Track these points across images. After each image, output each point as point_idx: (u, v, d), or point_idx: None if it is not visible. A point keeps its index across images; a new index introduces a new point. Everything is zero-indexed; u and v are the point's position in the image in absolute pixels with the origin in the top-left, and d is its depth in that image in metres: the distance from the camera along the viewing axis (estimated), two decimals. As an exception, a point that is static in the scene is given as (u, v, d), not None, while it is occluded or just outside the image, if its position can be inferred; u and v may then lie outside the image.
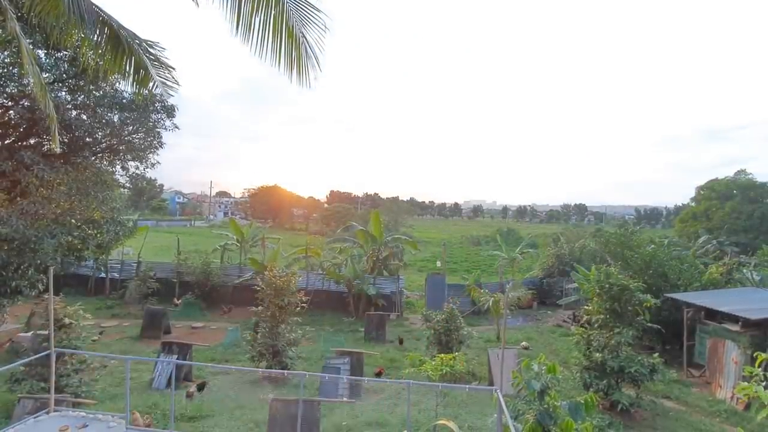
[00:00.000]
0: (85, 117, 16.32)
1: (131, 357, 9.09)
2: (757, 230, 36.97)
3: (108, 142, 17.37)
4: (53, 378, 5.05)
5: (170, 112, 16.81)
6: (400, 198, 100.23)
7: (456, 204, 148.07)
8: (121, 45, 6.21)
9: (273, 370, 11.19)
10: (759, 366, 5.56)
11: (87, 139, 16.92)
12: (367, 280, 21.21)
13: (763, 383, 5.43)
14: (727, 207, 39.38)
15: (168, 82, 7.05)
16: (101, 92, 16.18)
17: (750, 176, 42.67)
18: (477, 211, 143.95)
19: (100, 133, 17.25)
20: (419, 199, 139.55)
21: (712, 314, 13.38)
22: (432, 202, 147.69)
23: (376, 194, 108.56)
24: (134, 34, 6.45)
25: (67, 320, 9.71)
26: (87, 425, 4.70)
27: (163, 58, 6.89)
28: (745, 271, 18.36)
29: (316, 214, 78.04)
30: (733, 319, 12.49)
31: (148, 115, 16.79)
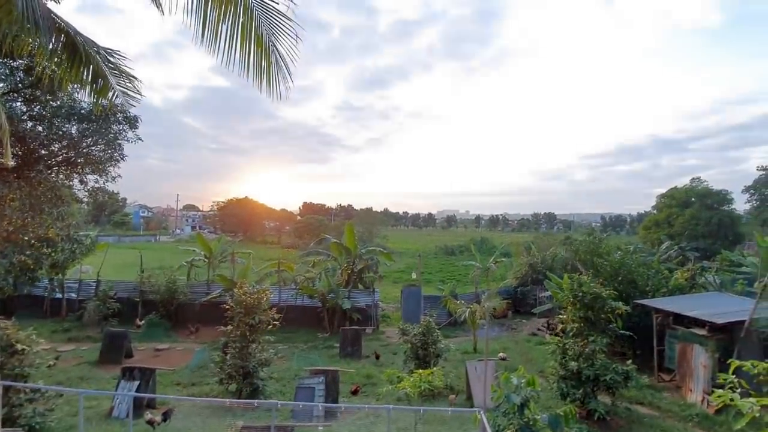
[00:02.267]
0: (40, 128, 15.42)
1: (84, 391, 8.41)
2: (716, 236, 38.91)
3: (65, 155, 16.45)
4: (0, 411, 4.47)
5: (133, 123, 16.09)
6: (374, 209, 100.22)
7: (430, 214, 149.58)
8: (79, 53, 5.80)
9: (242, 401, 10.61)
10: (732, 373, 5.64)
11: (42, 151, 15.97)
12: (342, 293, 20.79)
13: (738, 390, 5.50)
14: (687, 214, 41.31)
15: (129, 92, 6.66)
16: (58, 102, 15.34)
17: (705, 183, 45.08)
18: (450, 221, 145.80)
19: (56, 146, 16.32)
20: (393, 210, 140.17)
21: (680, 319, 13.75)
22: (406, 213, 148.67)
23: (349, 206, 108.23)
24: (93, 41, 6.05)
25: (19, 346, 8.94)
26: None
27: (124, 67, 6.50)
28: (707, 276, 19.11)
29: (288, 226, 76.87)
30: (700, 323, 12.86)
31: (108, 126, 16.02)
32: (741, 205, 47.98)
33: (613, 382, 10.55)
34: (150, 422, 9.64)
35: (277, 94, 5.45)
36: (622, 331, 12.11)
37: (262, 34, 5.50)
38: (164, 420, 9.95)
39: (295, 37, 5.56)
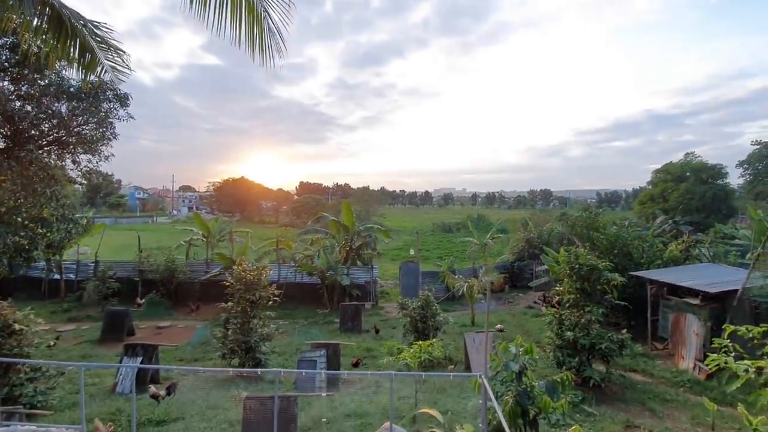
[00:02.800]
0: (29, 108, 15.09)
1: (86, 364, 8.50)
2: (709, 209, 39.15)
3: (55, 135, 16.17)
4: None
5: (123, 100, 15.78)
6: (371, 188, 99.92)
7: (426, 192, 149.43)
8: (64, 26, 5.59)
9: (245, 369, 10.79)
10: (727, 338, 5.76)
11: (32, 131, 15.67)
12: (341, 270, 20.93)
13: (733, 354, 5.63)
14: (682, 188, 41.42)
15: (118, 67, 6.48)
16: (46, 81, 14.98)
17: (699, 158, 45.07)
18: (447, 198, 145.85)
19: (46, 125, 16.02)
20: (389, 189, 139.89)
21: (674, 290, 13.98)
22: (402, 192, 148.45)
23: (346, 185, 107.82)
24: (78, 14, 5.83)
25: (16, 326, 8.95)
26: None
27: (111, 40, 6.29)
28: (701, 248, 19.34)
29: (285, 206, 76.65)
30: (694, 293, 13.09)
31: (99, 104, 15.71)
32: (735, 179, 48.23)
33: (608, 350, 10.79)
34: (154, 396, 9.80)
35: (270, 64, 5.29)
36: (617, 302, 12.29)
37: (253, 1, 5.31)
38: (168, 394, 10.12)
39: (288, 3, 5.38)
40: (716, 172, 42.20)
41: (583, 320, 11.15)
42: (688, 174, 43.05)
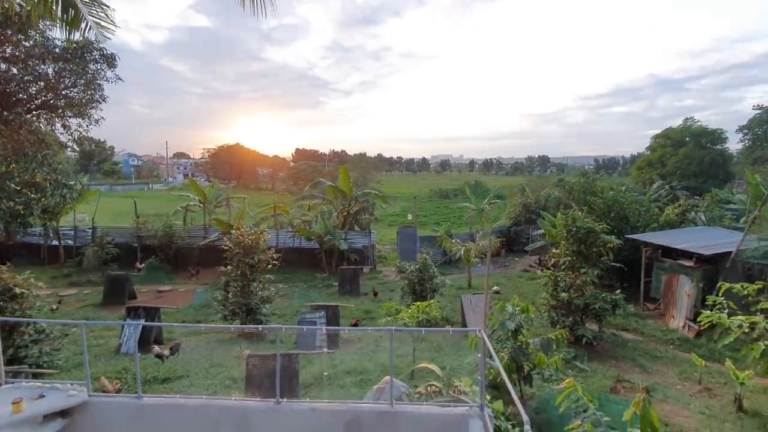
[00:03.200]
0: (15, 70, 14.59)
1: (88, 322, 8.61)
2: (707, 174, 39.14)
3: (43, 98, 15.72)
4: (0, 349, 4.57)
5: (111, 61, 15.22)
6: (368, 154, 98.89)
7: (424, 159, 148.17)
8: (45, -21, 5.29)
9: (248, 326, 11.02)
10: (722, 295, 5.90)
11: (20, 95, 15.20)
12: (339, 235, 21.02)
13: (726, 311, 5.79)
14: (681, 153, 41.21)
15: (103, 23, 6.18)
16: (31, 42, 14.39)
17: (698, 123, 44.54)
18: (444, 165, 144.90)
19: (33, 88, 15.53)
20: (386, 155, 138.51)
21: (669, 252, 14.17)
22: (399, 158, 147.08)
23: (342, 151, 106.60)
24: (57, -34, 5.49)
25: (17, 290, 9.00)
26: (44, 395, 4.30)
27: (95, -6, 5.97)
28: (696, 212, 19.47)
29: (282, 172, 76.01)
30: (688, 255, 13.28)
31: (85, 65, 15.18)
32: (734, 145, 47.87)
33: (601, 310, 11.04)
34: (159, 356, 10.05)
35: (261, 10, 5.05)
36: (613, 264, 12.46)
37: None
38: (172, 354, 10.37)
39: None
40: (716, 136, 41.88)
41: (578, 282, 11.35)
42: (687, 139, 42.71)
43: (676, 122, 46.51)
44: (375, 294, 17.11)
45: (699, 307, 11.78)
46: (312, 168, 60.89)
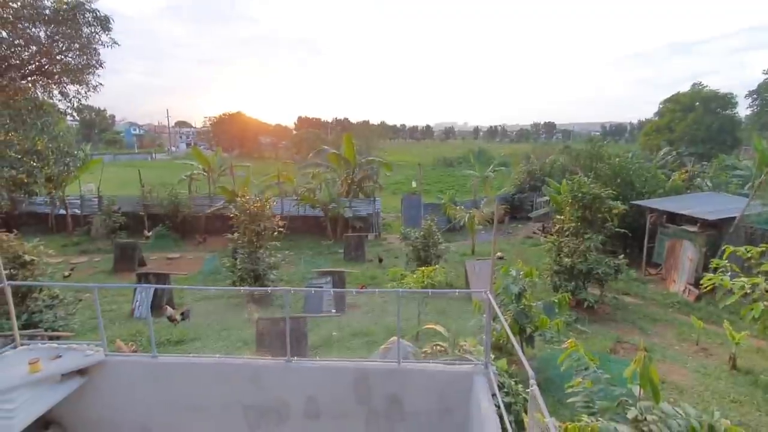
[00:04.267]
0: (4, 34, 14.19)
1: (100, 285, 8.83)
2: (715, 140, 38.42)
3: (37, 63, 15.37)
4: (12, 311, 4.69)
5: (104, 23, 14.74)
6: (371, 122, 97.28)
7: (427, 126, 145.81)
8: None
9: (257, 288, 11.27)
10: (725, 258, 5.92)
11: (12, 60, 14.87)
12: (343, 203, 21.07)
13: (729, 273, 5.82)
14: (689, 119, 40.29)
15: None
16: (18, 3, 13.92)
17: (707, 87, 43.21)
18: (449, 133, 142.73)
19: (26, 53, 15.16)
20: (390, 123, 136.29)
21: (673, 218, 14.16)
22: (403, 126, 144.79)
23: (345, 119, 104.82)
24: None
25: (27, 257, 9.17)
26: (61, 356, 4.45)
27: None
28: (702, 178, 19.28)
29: (285, 141, 75.27)
30: (692, 221, 13.26)
31: (78, 28, 14.71)
32: (743, 111, 46.60)
33: (604, 274, 11.18)
34: (171, 318, 10.36)
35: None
36: (617, 229, 12.47)
37: None
38: (183, 318, 10.69)
39: None
40: (726, 101, 40.78)
41: (581, 247, 11.42)
42: (697, 104, 41.65)
43: (685, 87, 45.09)
44: (380, 260, 17.32)
45: (701, 272, 11.89)
46: (315, 136, 60.13)
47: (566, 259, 11.56)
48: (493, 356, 6.19)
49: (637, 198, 15.94)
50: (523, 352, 8.04)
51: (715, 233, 12.97)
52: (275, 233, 12.79)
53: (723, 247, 6.37)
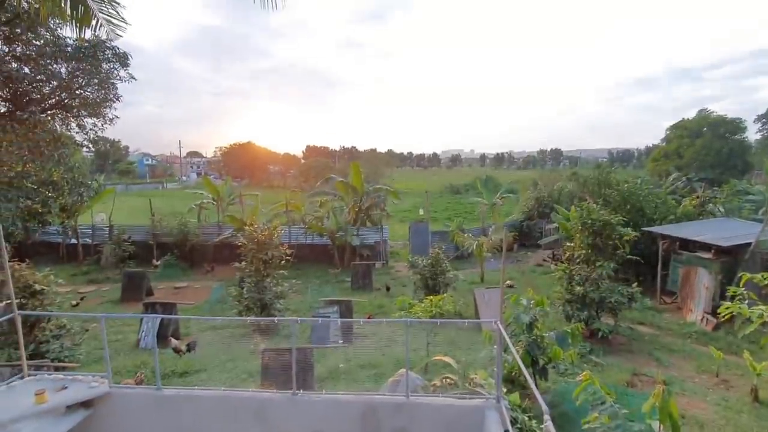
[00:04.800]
0: (27, 70, 14.84)
1: (106, 314, 8.81)
2: (725, 165, 38.22)
3: (57, 97, 15.99)
4: (21, 342, 4.70)
5: (123, 60, 15.44)
6: (378, 150, 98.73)
7: (434, 154, 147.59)
8: (52, -25, 5.38)
9: (263, 318, 11.15)
10: (743, 286, 5.76)
11: (33, 94, 15.49)
12: (351, 231, 21.08)
13: (746, 301, 5.65)
14: (698, 144, 40.29)
15: (114, 20, 6.26)
16: (42, 41, 14.63)
17: (714, 113, 43.41)
18: (455, 160, 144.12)
19: (47, 88, 15.81)
20: (397, 151, 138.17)
21: (686, 244, 13.91)
22: (410, 153, 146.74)
23: (353, 147, 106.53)
24: (66, -38, 5.59)
25: (37, 286, 9.23)
26: (66, 387, 4.42)
27: (104, -9, 6.07)
28: (714, 204, 19.04)
29: (293, 169, 76.42)
30: (706, 247, 13.01)
31: (98, 64, 15.40)
32: (753, 135, 46.63)
33: (617, 303, 10.90)
34: (176, 350, 10.24)
35: (272, 4, 5.06)
36: (629, 257, 12.26)
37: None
38: (189, 350, 10.56)
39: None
40: (735, 126, 40.82)
41: (593, 275, 11.21)
42: (705, 129, 41.73)
43: (693, 113, 45.25)
44: (387, 289, 17.13)
45: (717, 300, 11.56)
46: (323, 164, 61.05)
47: (578, 288, 11.33)
48: (504, 390, 5.99)
49: (648, 224, 15.75)
50: (536, 385, 7.77)
51: (730, 260, 12.68)
52: (282, 262, 12.79)
53: (739, 274, 6.21)
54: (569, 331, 8.07)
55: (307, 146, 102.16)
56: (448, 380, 5.73)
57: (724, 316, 5.88)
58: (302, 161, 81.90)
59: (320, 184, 28.95)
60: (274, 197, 36.70)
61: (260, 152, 79.35)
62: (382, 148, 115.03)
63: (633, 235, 11.85)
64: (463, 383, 5.57)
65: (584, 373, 5.69)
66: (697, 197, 18.84)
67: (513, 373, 7.99)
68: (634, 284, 11.63)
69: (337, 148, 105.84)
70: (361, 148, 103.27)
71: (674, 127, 45.51)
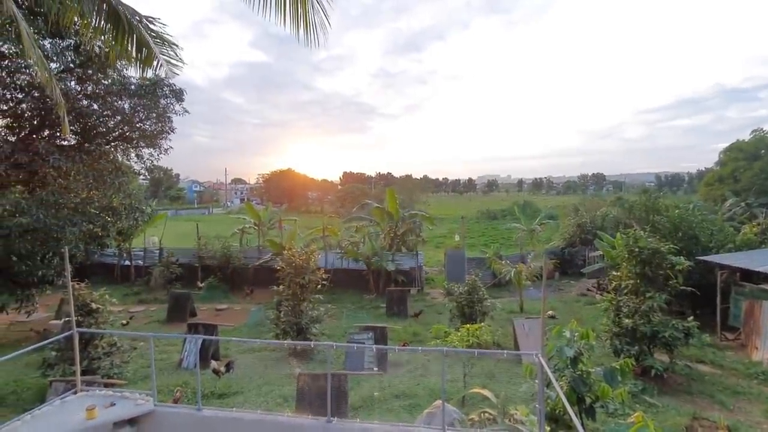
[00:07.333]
0: (96, 106, 16.32)
1: (155, 334, 9.18)
2: (789, 190, 35.35)
3: (120, 130, 17.40)
4: (77, 358, 5.00)
5: (179, 95, 16.66)
6: (413, 176, 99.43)
7: (470, 179, 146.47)
8: (122, 22, 6.00)
9: (300, 342, 11.24)
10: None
11: (100, 128, 16.98)
12: (386, 256, 21.09)
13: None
14: (756, 167, 37.68)
15: (172, 60, 6.81)
16: (109, 80, 16.10)
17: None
18: (491, 185, 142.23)
19: (111, 122, 17.28)
20: (432, 177, 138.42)
21: (748, 275, 12.85)
22: (446, 179, 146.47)
23: (389, 173, 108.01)
24: (133, 9, 6.21)
25: (94, 305, 9.83)
26: (114, 403, 4.64)
27: (165, 35, 6.65)
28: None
29: (330, 195, 78.17)
30: (772, 279, 11.96)
31: (157, 100, 16.67)
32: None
33: (672, 339, 10.13)
34: (215, 371, 10.49)
35: (314, 42, 5.33)
36: (682, 288, 11.45)
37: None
38: (227, 371, 10.78)
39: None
40: (799, 147, 37.96)
41: (643, 307, 10.53)
42: (763, 152, 39.08)
43: (746, 135, 42.55)
44: (416, 315, 16.81)
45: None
46: (359, 190, 62.12)
47: (626, 320, 10.65)
48: (548, 428, 5.65)
49: (703, 253, 14.71)
50: (583, 425, 7.28)
51: (801, 294, 11.57)
52: (319, 286, 12.94)
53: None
54: (618, 367, 7.55)
55: (344, 173, 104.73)
56: (486, 415, 5.49)
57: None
58: (339, 187, 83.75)
59: (356, 210, 29.43)
60: (311, 222, 37.55)
61: (299, 179, 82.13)
62: (417, 174, 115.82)
63: (686, 265, 11.09)
64: (503, 419, 5.32)
65: (636, 414, 5.28)
66: (758, 224, 17.46)
67: (557, 411, 7.52)
68: (690, 318, 10.80)
69: (373, 175, 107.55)
70: (396, 174, 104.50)
71: (729, 149, 42.94)
